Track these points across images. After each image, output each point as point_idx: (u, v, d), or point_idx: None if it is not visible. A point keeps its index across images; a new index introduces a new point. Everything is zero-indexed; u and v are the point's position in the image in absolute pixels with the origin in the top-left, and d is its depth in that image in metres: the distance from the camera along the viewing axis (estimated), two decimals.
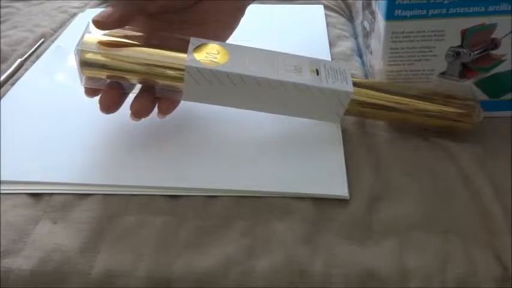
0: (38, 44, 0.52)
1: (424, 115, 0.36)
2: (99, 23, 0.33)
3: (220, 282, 0.28)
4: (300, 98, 0.35)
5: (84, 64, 0.33)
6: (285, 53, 0.36)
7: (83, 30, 0.34)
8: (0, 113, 0.41)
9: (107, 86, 0.34)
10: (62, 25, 0.57)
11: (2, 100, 0.43)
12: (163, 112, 0.35)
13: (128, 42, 0.33)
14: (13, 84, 0.45)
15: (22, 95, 0.43)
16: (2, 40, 0.53)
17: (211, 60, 0.33)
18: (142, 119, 0.35)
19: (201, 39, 0.35)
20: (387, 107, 0.36)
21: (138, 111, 0.34)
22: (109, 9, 0.33)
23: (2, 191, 0.33)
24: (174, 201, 0.33)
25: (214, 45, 0.35)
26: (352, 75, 0.37)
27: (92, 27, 0.34)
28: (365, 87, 0.36)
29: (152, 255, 0.29)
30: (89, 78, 0.34)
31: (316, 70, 0.35)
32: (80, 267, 0.29)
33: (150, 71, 0.33)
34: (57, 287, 0.28)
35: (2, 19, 0.59)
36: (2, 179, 0.34)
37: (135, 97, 0.35)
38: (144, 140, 0.37)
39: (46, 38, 0.54)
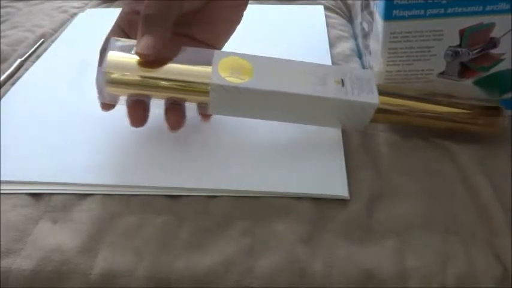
0: (38, 44, 0.52)
1: (448, 120, 0.36)
2: (144, 56, 0.32)
3: (220, 282, 0.28)
4: (326, 110, 0.35)
5: (111, 83, 0.32)
6: (309, 63, 0.35)
7: (103, 44, 0.34)
8: (0, 113, 0.41)
9: (133, 101, 0.34)
10: (62, 25, 0.57)
11: (2, 100, 0.43)
12: (207, 117, 0.37)
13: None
14: (13, 84, 0.45)
15: (22, 95, 0.43)
16: (2, 40, 0.53)
17: (236, 76, 0.33)
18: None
19: (224, 51, 0.35)
20: (413, 112, 0.36)
21: (175, 124, 0.34)
22: (149, 39, 0.31)
23: (2, 191, 0.33)
24: (174, 201, 0.33)
25: (238, 58, 0.34)
26: None
27: (112, 43, 0.33)
28: (387, 94, 0.35)
29: (152, 255, 0.29)
30: (110, 95, 0.34)
31: (341, 80, 0.35)
32: (80, 267, 0.29)
33: (176, 88, 0.33)
34: (57, 287, 0.28)
35: (2, 19, 0.59)
36: (2, 179, 0.34)
37: (167, 109, 0.34)
38: (144, 140, 0.37)
39: (46, 38, 0.54)
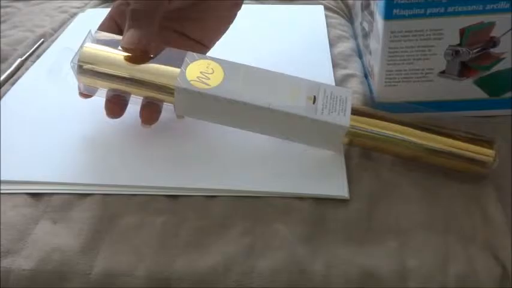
0: (38, 44, 0.52)
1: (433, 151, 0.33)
2: (128, 50, 0.33)
3: (220, 282, 0.28)
4: (291, 126, 0.33)
5: (81, 74, 0.34)
6: (286, 75, 0.34)
7: (84, 37, 0.34)
8: (0, 113, 0.41)
9: (111, 94, 0.35)
10: (62, 25, 0.57)
11: (2, 100, 0.43)
12: (181, 116, 0.36)
13: (125, 56, 0.34)
14: (13, 84, 0.45)
15: (22, 95, 0.43)
16: (2, 40, 0.53)
17: (202, 81, 0.33)
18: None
19: (197, 54, 0.34)
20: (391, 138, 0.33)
21: (147, 120, 0.35)
22: (135, 33, 0.33)
23: (2, 191, 0.33)
24: (174, 201, 0.33)
25: (211, 62, 0.34)
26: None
27: (91, 37, 0.34)
28: (365, 115, 0.33)
29: (152, 255, 0.29)
30: (87, 86, 0.35)
31: (314, 97, 0.33)
32: (80, 267, 0.29)
33: (144, 86, 0.34)
34: (57, 287, 0.28)
35: (2, 19, 0.59)
36: (2, 179, 0.34)
37: (143, 105, 0.35)
38: (144, 140, 0.37)
39: (46, 38, 0.54)
